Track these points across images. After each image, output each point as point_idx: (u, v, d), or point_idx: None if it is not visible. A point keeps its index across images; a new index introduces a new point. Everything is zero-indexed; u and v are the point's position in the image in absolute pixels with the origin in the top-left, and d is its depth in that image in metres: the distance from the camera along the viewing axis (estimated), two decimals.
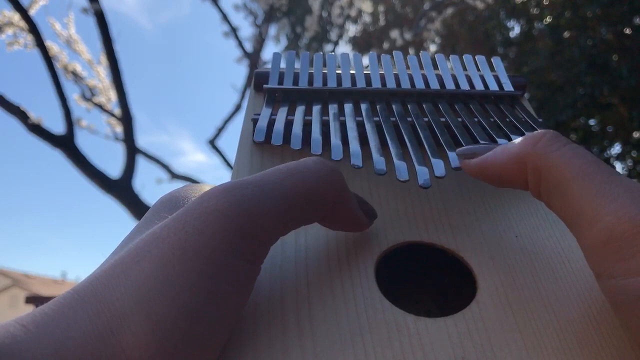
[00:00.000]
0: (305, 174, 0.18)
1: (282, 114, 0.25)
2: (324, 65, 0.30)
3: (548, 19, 3.26)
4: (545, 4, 3.33)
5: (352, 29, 4.04)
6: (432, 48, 3.74)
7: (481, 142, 0.24)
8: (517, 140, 0.19)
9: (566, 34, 3.11)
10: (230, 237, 0.16)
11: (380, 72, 0.30)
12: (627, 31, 2.87)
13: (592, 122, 3.34)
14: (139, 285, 0.15)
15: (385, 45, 3.74)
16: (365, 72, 0.30)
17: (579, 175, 0.17)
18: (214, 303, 0.15)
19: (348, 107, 0.26)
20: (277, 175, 0.18)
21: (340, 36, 3.88)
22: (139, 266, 0.15)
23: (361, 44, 3.89)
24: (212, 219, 0.16)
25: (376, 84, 0.28)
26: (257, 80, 0.29)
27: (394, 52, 0.31)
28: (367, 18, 3.98)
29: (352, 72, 0.29)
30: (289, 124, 0.25)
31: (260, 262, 0.17)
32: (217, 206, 0.16)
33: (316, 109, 0.26)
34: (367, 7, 3.71)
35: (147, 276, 0.15)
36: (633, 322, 0.15)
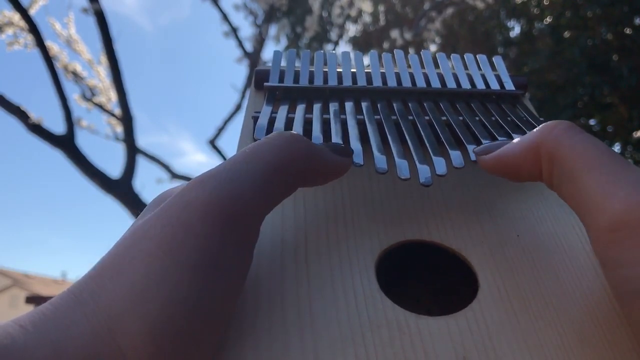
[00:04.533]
0: (271, 147, 0.18)
1: (282, 112, 0.25)
2: (325, 63, 0.30)
3: (548, 19, 3.26)
4: (545, 4, 3.33)
5: (352, 29, 4.04)
6: (432, 48, 3.74)
7: (483, 141, 0.24)
8: (533, 131, 0.19)
9: (566, 34, 3.11)
10: (215, 225, 0.16)
11: (381, 71, 0.30)
12: (628, 31, 2.87)
13: (592, 122, 3.34)
14: (132, 285, 0.15)
15: (385, 45, 3.74)
16: (366, 70, 0.29)
17: (590, 164, 0.17)
18: (208, 295, 0.15)
19: (349, 106, 0.26)
20: (246, 156, 0.18)
21: (340, 36, 3.88)
22: (130, 265, 0.15)
23: (361, 44, 3.89)
24: (195, 210, 0.16)
25: (377, 82, 0.28)
26: (257, 78, 0.29)
27: (395, 51, 0.31)
28: (367, 18, 3.98)
29: (353, 70, 0.29)
30: (289, 122, 0.25)
31: (251, 247, 0.17)
32: (197, 197, 0.16)
33: (317, 107, 0.26)
34: (367, 7, 3.71)
35: (140, 276, 0.15)
36: (636, 313, 0.15)
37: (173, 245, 0.15)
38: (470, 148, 0.24)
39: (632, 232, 0.15)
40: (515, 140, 0.20)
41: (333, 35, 3.90)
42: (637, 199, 0.15)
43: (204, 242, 0.15)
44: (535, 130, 0.19)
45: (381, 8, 3.96)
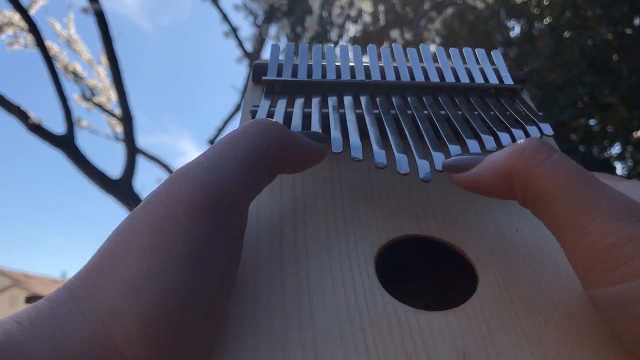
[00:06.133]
0: (248, 135, 0.19)
1: (281, 106, 0.25)
2: (323, 57, 0.29)
3: (548, 19, 3.27)
4: (545, 4, 3.33)
5: (352, 29, 4.04)
6: (433, 48, 3.74)
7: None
8: (503, 151, 0.19)
9: (566, 34, 3.11)
10: (201, 216, 0.16)
11: (380, 65, 0.29)
12: (628, 31, 2.87)
13: (592, 122, 3.34)
14: (125, 282, 0.15)
15: (386, 45, 3.73)
16: (364, 64, 0.29)
17: (563, 191, 0.17)
18: (201, 286, 0.15)
19: (347, 100, 0.26)
20: (224, 146, 0.18)
21: (340, 36, 3.88)
22: (122, 261, 0.15)
23: (361, 44, 3.88)
24: (180, 202, 0.16)
25: (375, 76, 0.28)
26: (255, 71, 0.29)
27: (393, 45, 0.31)
28: (367, 18, 3.98)
29: (351, 64, 0.29)
30: (288, 116, 0.25)
31: (239, 236, 0.17)
32: (180, 188, 0.16)
33: (315, 101, 0.26)
34: (367, 7, 3.71)
35: (132, 272, 0.15)
36: (619, 326, 0.16)
37: (162, 238, 0.15)
38: (470, 143, 0.23)
39: (609, 258, 0.15)
40: (487, 159, 0.19)
41: (333, 35, 3.90)
42: (610, 226, 0.15)
43: (192, 234, 0.15)
44: (505, 152, 0.19)
45: (381, 8, 3.96)
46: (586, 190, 0.16)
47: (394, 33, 3.57)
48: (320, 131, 0.24)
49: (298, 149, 0.20)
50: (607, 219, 0.16)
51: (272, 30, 3.77)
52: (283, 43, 3.92)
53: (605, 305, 0.16)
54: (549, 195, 0.17)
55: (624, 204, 0.16)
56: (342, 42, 3.92)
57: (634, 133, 3.10)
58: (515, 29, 3.65)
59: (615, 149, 3.41)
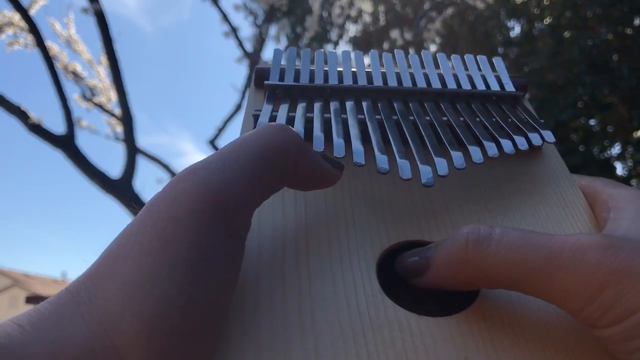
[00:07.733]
0: (260, 137, 0.18)
1: (283, 111, 0.25)
2: (325, 62, 0.29)
3: (548, 19, 3.27)
4: (545, 4, 3.33)
5: (352, 29, 4.04)
6: (433, 48, 3.74)
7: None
8: (445, 252, 0.19)
9: (566, 34, 3.11)
10: (204, 217, 0.16)
11: (382, 71, 0.29)
12: (628, 31, 2.87)
13: (592, 122, 3.34)
14: (126, 284, 0.15)
15: (386, 46, 3.74)
16: (366, 70, 0.29)
17: (524, 269, 0.17)
18: (201, 289, 0.15)
19: (349, 105, 0.26)
20: (234, 147, 0.18)
21: (340, 36, 3.88)
22: (123, 264, 0.15)
23: (361, 44, 3.89)
24: (184, 202, 0.16)
25: (377, 82, 0.28)
26: (257, 76, 0.29)
27: (395, 51, 0.31)
28: (367, 18, 3.98)
29: (353, 69, 0.29)
30: (290, 121, 0.25)
31: (242, 239, 0.17)
32: (185, 188, 0.16)
33: (317, 106, 0.26)
34: (368, 7, 3.71)
35: (133, 274, 0.15)
36: (622, 357, 0.17)
37: (163, 240, 0.15)
38: (472, 149, 0.24)
39: (593, 308, 0.16)
40: (438, 260, 0.19)
41: (333, 35, 3.90)
42: (583, 280, 0.16)
43: (194, 236, 0.15)
44: (449, 256, 0.18)
45: (381, 8, 3.96)
46: (541, 255, 0.17)
47: (394, 33, 3.57)
48: (322, 135, 0.24)
49: (311, 160, 0.20)
50: (575, 271, 0.16)
51: (272, 30, 3.77)
52: (283, 43, 3.92)
53: (605, 342, 0.17)
54: (515, 277, 0.17)
55: (584, 246, 0.16)
56: (342, 42, 3.92)
57: (634, 133, 3.11)
58: (515, 29, 3.66)
59: (615, 149, 3.41)
